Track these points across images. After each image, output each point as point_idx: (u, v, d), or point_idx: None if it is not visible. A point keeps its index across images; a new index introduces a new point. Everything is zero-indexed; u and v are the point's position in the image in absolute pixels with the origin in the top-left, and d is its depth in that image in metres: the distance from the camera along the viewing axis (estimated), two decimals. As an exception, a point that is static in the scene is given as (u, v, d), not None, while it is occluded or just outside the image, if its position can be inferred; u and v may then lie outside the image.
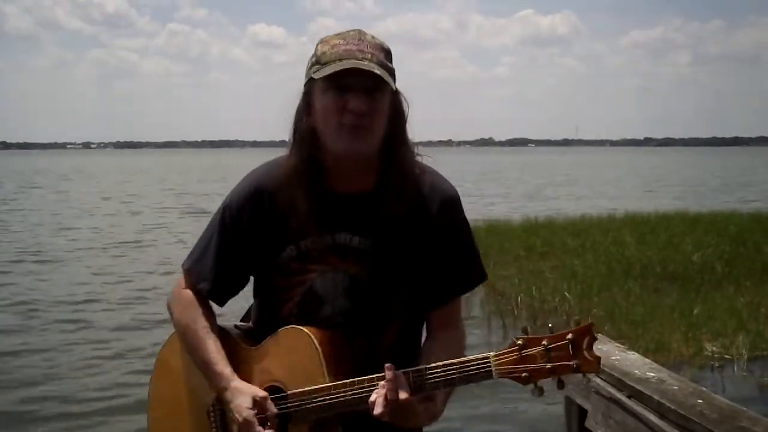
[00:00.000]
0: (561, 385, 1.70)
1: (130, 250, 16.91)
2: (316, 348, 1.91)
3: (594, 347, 1.67)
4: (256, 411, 1.92)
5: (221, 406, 2.03)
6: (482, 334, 8.81)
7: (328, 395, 1.88)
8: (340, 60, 1.87)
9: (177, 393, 2.14)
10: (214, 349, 2.02)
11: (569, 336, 1.67)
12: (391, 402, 1.77)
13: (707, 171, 62.24)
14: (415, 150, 2.03)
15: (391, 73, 1.93)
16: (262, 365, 2.01)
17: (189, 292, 2.11)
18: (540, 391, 1.70)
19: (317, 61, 1.92)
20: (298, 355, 1.94)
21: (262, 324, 2.10)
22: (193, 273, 2.11)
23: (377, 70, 1.85)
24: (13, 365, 8.09)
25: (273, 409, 1.94)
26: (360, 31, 1.94)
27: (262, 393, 1.94)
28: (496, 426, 6.25)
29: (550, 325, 1.73)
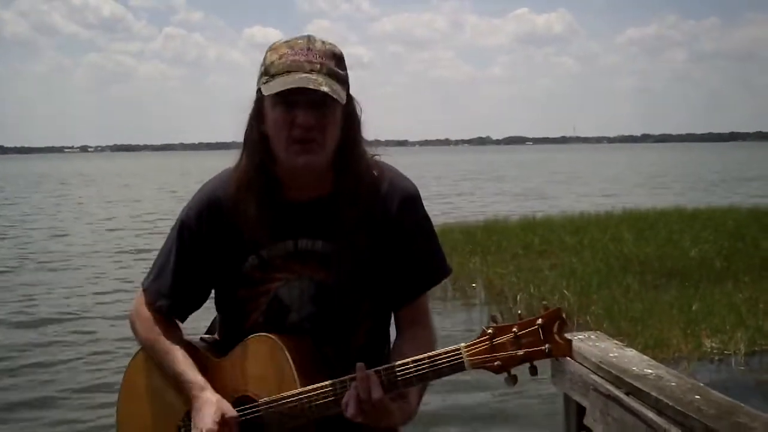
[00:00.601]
0: (534, 371, 1.69)
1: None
2: (286, 355, 1.89)
3: (564, 331, 1.67)
4: (218, 427, 1.88)
5: (191, 422, 1.98)
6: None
7: (300, 400, 1.86)
8: (288, 73, 1.83)
9: (146, 412, 2.10)
10: (182, 360, 2.00)
11: (539, 321, 1.67)
12: (363, 401, 1.77)
13: (708, 167, 62.24)
14: (370, 150, 2.01)
15: (343, 80, 1.89)
16: (232, 375, 1.98)
17: (150, 312, 2.08)
18: (513, 380, 1.69)
19: (266, 71, 1.88)
20: (267, 363, 1.92)
21: (229, 335, 2.08)
22: (152, 291, 2.08)
23: (324, 87, 1.81)
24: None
25: (236, 428, 1.91)
26: (309, 39, 1.89)
27: (232, 413, 1.91)
28: (494, 425, 6.26)
29: (518, 312, 1.73)
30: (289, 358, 1.89)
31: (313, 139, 1.86)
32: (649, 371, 3.33)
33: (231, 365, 2.00)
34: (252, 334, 1.98)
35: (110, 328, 9.68)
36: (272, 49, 1.90)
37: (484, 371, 1.72)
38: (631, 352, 3.68)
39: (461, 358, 1.72)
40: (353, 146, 1.96)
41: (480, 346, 1.71)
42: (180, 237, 2.04)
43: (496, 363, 1.69)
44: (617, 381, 3.31)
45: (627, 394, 3.23)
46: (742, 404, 2.98)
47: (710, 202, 21.45)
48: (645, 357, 3.64)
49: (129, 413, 2.14)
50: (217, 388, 1.96)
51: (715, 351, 7.59)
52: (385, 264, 2.00)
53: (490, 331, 1.71)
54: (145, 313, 2.08)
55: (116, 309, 10.44)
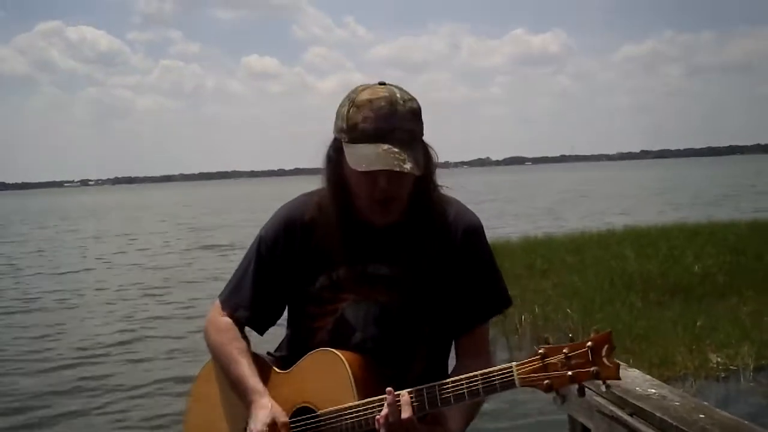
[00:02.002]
0: (581, 392, 1.75)
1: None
2: (347, 369, 1.96)
3: (613, 354, 1.72)
4: (267, 429, 1.96)
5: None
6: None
7: (355, 414, 1.93)
8: (373, 141, 1.91)
9: (211, 420, 2.19)
10: (246, 366, 2.09)
11: (589, 344, 1.72)
12: (389, 423, 1.84)
13: (716, 181, 62.01)
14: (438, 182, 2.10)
15: (419, 136, 1.99)
16: (294, 386, 2.06)
17: (226, 319, 2.18)
18: (562, 399, 1.76)
19: (348, 129, 1.96)
20: (328, 375, 2.00)
21: (295, 351, 2.15)
22: (230, 302, 2.19)
23: (408, 164, 1.89)
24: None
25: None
26: (391, 101, 1.94)
27: (284, 419, 1.99)
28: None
29: (570, 335, 1.79)
30: (350, 371, 1.96)
31: (393, 199, 1.99)
32: (653, 391, 3.33)
33: (294, 376, 2.08)
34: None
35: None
36: (355, 104, 1.96)
37: (533, 389, 1.79)
38: (634, 372, 3.67)
39: (512, 375, 1.79)
40: (427, 183, 2.06)
41: (531, 365, 1.77)
42: (258, 252, 2.16)
43: (545, 382, 1.75)
44: (621, 402, 3.31)
45: (631, 414, 3.22)
46: (747, 422, 2.97)
47: (727, 215, 21.38)
48: (648, 377, 3.63)
49: (195, 421, 2.25)
50: (279, 398, 2.04)
51: (721, 367, 7.55)
52: (447, 292, 2.08)
53: (541, 351, 1.77)
54: (220, 322, 2.18)
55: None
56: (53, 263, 23.01)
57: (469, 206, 2.18)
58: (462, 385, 1.83)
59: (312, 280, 2.11)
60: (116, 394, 8.50)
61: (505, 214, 32.74)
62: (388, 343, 2.07)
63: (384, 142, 1.91)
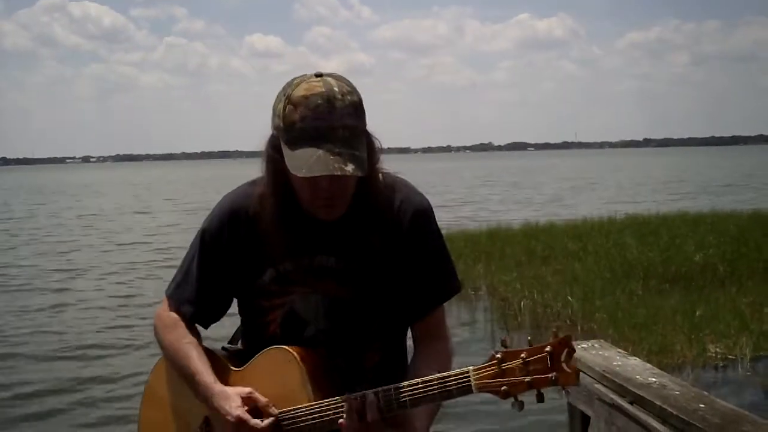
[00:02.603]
0: (540, 398, 1.68)
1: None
2: (300, 367, 1.93)
3: (573, 358, 1.66)
4: (247, 408, 1.92)
5: (209, 428, 2.04)
6: (485, 341, 8.80)
7: (311, 414, 1.89)
8: (311, 142, 1.83)
9: (166, 417, 2.14)
10: (198, 362, 2.04)
11: (547, 348, 1.66)
12: (356, 425, 1.80)
13: (724, 171, 61.76)
14: (381, 165, 2.03)
15: (363, 134, 1.91)
16: (249, 386, 2.00)
17: (173, 315, 2.12)
18: (520, 405, 1.70)
19: (285, 128, 1.88)
20: (282, 374, 1.96)
21: (249, 345, 2.12)
22: (175, 298, 2.13)
23: (349, 167, 1.82)
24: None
25: (263, 399, 1.94)
26: (329, 97, 1.85)
27: (246, 389, 1.94)
28: (499, 433, 6.23)
29: (528, 337, 1.72)
30: (304, 370, 1.92)
31: (336, 197, 1.93)
32: (653, 380, 3.34)
33: (248, 375, 2.04)
34: (270, 344, 2.02)
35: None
36: (292, 101, 1.88)
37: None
38: (634, 361, 3.68)
39: (469, 380, 1.73)
40: (372, 175, 1.98)
41: (488, 370, 1.72)
42: (202, 245, 2.10)
43: (502, 388, 1.69)
44: (621, 390, 3.32)
45: (631, 403, 3.23)
46: (747, 413, 2.99)
47: (737, 204, 21.34)
48: (649, 365, 3.64)
49: (149, 418, 2.20)
50: None
51: (719, 356, 7.58)
52: (397, 280, 2.03)
53: (498, 355, 1.71)
54: (168, 318, 2.13)
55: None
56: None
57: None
58: (418, 389, 1.78)
59: (259, 273, 2.06)
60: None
61: (510, 200, 32.65)
62: (341, 335, 2.04)
63: (323, 142, 1.83)
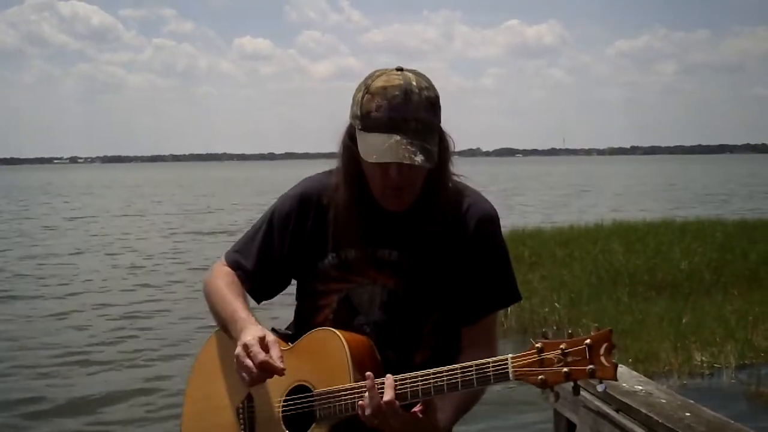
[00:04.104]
0: (576, 390, 1.70)
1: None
2: (345, 350, 1.94)
3: (612, 353, 1.66)
4: (259, 341, 1.91)
5: (251, 405, 2.08)
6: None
7: (349, 396, 1.91)
8: (385, 131, 1.89)
9: (210, 392, 2.18)
10: (239, 301, 2.05)
11: (587, 341, 1.66)
12: (369, 408, 1.82)
13: (714, 178, 62.00)
14: (453, 170, 2.07)
15: (435, 126, 1.95)
16: (292, 364, 2.01)
17: (228, 269, 2.15)
18: (556, 396, 1.72)
19: (362, 116, 1.94)
20: (327, 355, 1.99)
21: (300, 328, 2.15)
22: (234, 258, 2.17)
23: (419, 158, 1.87)
24: None
25: (276, 350, 1.91)
26: (406, 90, 1.91)
27: (274, 337, 1.94)
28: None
29: (569, 330, 1.73)
30: (348, 353, 1.94)
31: (404, 188, 1.97)
32: (639, 387, 3.33)
33: (294, 354, 2.05)
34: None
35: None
36: (369, 91, 1.94)
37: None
38: (621, 368, 3.67)
39: (507, 367, 1.74)
40: (441, 172, 2.03)
41: (527, 359, 1.72)
42: (270, 221, 2.15)
43: (539, 377, 1.70)
44: (607, 397, 3.31)
45: (617, 410, 3.23)
46: (732, 421, 2.98)
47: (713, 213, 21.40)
48: (635, 373, 3.64)
49: (195, 390, 2.24)
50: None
51: (705, 364, 7.59)
52: (456, 281, 2.05)
53: (538, 345, 1.71)
54: (223, 270, 2.15)
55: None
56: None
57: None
58: (456, 373, 1.79)
59: (321, 257, 2.10)
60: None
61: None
62: (392, 329, 2.05)
63: (396, 132, 1.88)
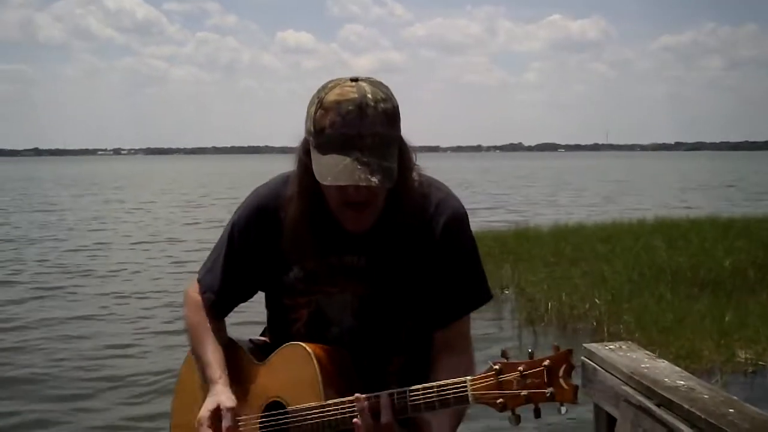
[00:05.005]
0: (537, 413, 1.64)
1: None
2: (315, 366, 1.92)
3: (571, 375, 1.61)
4: (210, 415, 1.94)
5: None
6: (513, 341, 8.75)
7: (321, 413, 1.88)
8: (339, 150, 1.80)
9: (192, 408, 2.14)
10: (212, 353, 2.06)
11: (545, 363, 1.62)
12: (363, 427, 1.79)
13: (762, 175, 60.81)
14: (417, 165, 1.99)
15: (393, 140, 1.86)
16: (266, 380, 2.03)
17: (199, 298, 2.17)
18: (517, 419, 1.66)
19: (315, 133, 1.85)
20: (297, 371, 1.95)
21: (275, 340, 2.13)
22: (203, 283, 2.17)
23: (374, 178, 1.78)
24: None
25: (228, 420, 1.93)
26: (360, 104, 1.81)
27: (230, 404, 1.95)
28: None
29: (530, 350, 1.67)
30: (317, 368, 1.91)
31: (365, 205, 1.90)
32: (682, 383, 3.30)
33: (267, 369, 2.05)
34: (294, 341, 2.02)
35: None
36: (322, 106, 1.84)
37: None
38: (663, 363, 3.64)
39: (466, 390, 1.70)
40: (404, 183, 1.94)
41: (485, 381, 1.68)
42: (231, 238, 2.11)
43: (498, 401, 1.66)
44: (648, 392, 3.28)
45: (658, 405, 3.20)
46: (777, 418, 2.94)
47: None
48: (677, 368, 3.60)
49: (179, 407, 2.25)
50: (253, 391, 2.03)
51: (749, 362, 7.49)
52: (427, 284, 2.00)
53: (497, 366, 1.67)
54: (195, 300, 2.17)
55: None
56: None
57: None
58: (419, 394, 1.76)
59: (285, 270, 2.05)
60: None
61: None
62: (366, 336, 2.02)
63: (351, 150, 1.79)
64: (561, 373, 1.61)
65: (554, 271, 11.79)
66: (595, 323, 9.10)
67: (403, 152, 1.91)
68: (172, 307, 10.63)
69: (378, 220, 1.96)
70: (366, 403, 1.79)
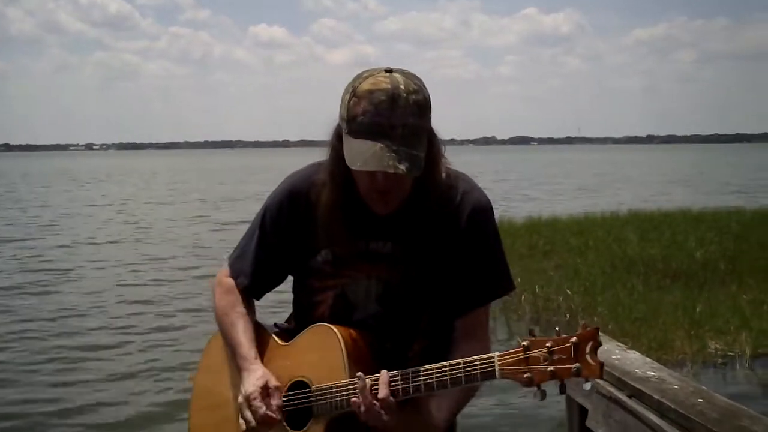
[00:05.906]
0: (563, 389, 1.70)
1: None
2: (341, 346, 1.97)
3: (598, 352, 1.66)
4: (261, 392, 2.01)
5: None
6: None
7: (345, 392, 1.93)
8: (370, 136, 1.85)
9: (216, 387, 2.23)
10: (243, 333, 2.14)
11: (573, 339, 1.67)
12: (364, 405, 1.86)
13: (731, 168, 61.49)
14: (445, 158, 2.05)
15: (423, 130, 1.91)
16: (291, 360, 2.09)
17: (231, 281, 2.23)
18: (542, 395, 1.71)
19: (348, 120, 1.90)
20: (323, 351, 2.01)
21: (299, 324, 2.19)
22: (234, 268, 2.24)
23: (402, 166, 1.83)
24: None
25: (277, 399, 2.02)
26: (393, 94, 1.86)
27: (275, 382, 2.03)
28: (496, 426, 6.25)
29: (557, 328, 1.73)
30: (343, 349, 1.97)
31: (392, 192, 1.96)
32: (652, 374, 3.34)
33: (292, 350, 2.11)
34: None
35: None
36: (356, 94, 1.89)
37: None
38: (634, 355, 3.68)
39: (493, 365, 1.76)
40: (431, 174, 1.99)
41: (513, 357, 1.74)
42: (262, 222, 2.18)
43: (525, 375, 1.71)
44: (619, 383, 3.32)
45: (629, 396, 3.24)
46: (745, 408, 2.99)
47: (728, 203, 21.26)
48: (648, 359, 3.64)
49: (202, 385, 2.30)
50: (277, 371, 2.09)
51: (719, 353, 7.57)
52: (450, 272, 2.05)
53: (525, 343, 1.73)
54: (226, 283, 2.24)
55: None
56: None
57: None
58: (445, 371, 1.81)
59: (313, 253, 2.11)
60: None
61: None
62: (389, 321, 2.07)
63: (381, 138, 1.84)
64: (588, 349, 1.66)
65: (528, 264, 11.84)
66: (568, 315, 9.15)
67: (432, 143, 1.97)
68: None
69: (404, 206, 2.01)
70: (368, 381, 1.86)
